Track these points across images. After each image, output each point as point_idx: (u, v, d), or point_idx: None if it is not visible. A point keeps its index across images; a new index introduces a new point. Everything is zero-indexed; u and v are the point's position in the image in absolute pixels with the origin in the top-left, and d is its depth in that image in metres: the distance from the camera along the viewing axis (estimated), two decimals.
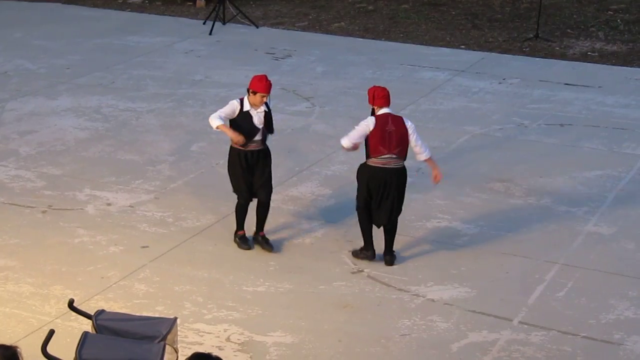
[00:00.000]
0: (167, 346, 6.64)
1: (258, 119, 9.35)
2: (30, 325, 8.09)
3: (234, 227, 9.68)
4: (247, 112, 9.33)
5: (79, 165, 11.65)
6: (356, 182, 9.39)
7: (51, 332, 6.55)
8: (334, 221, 10.24)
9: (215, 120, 9.31)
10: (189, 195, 10.86)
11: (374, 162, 9.14)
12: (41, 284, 8.80)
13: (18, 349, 5.20)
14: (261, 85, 9.22)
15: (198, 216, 10.30)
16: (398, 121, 9.16)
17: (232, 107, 9.36)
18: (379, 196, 9.17)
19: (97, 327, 6.71)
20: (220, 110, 9.42)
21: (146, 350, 6.46)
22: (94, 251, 9.49)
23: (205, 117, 13.49)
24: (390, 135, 9.06)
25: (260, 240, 9.64)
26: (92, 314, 6.89)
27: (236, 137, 9.30)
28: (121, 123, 13.15)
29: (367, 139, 9.13)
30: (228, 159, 9.57)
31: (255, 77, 9.34)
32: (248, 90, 9.32)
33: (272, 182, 9.61)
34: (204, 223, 10.15)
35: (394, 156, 9.09)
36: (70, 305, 7.06)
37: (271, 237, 9.68)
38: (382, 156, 9.09)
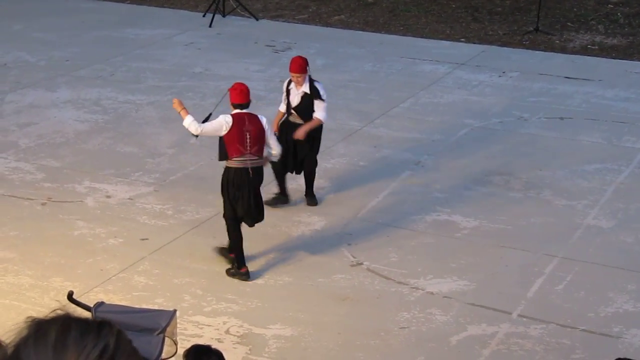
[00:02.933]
0: (166, 338, 6.64)
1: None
2: None
3: None
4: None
5: (79, 157, 11.64)
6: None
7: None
8: (333, 214, 10.24)
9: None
10: (188, 187, 10.85)
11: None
12: (40, 276, 8.80)
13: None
14: (241, 97, 8.78)
15: (198, 209, 10.30)
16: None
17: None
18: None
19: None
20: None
21: (145, 343, 6.46)
22: (93, 243, 9.48)
23: (205, 110, 13.52)
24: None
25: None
26: (92, 306, 6.89)
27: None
28: (121, 115, 13.13)
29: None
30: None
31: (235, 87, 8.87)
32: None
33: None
34: (203, 216, 10.14)
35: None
36: (70, 297, 7.06)
37: (271, 230, 9.68)
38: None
